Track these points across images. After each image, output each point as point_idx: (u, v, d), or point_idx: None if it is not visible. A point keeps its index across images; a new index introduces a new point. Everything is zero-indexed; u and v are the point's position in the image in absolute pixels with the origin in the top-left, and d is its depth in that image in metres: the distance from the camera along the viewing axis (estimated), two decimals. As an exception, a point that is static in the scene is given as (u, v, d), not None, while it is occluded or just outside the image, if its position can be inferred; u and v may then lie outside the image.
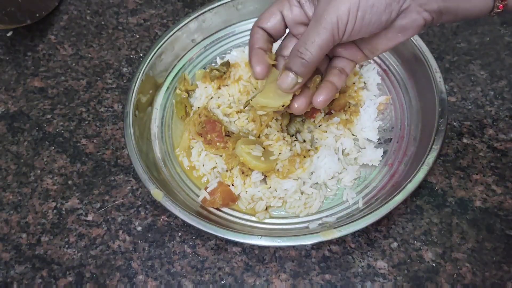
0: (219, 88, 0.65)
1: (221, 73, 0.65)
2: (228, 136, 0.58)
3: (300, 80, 0.46)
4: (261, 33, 0.49)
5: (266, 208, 0.56)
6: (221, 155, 0.58)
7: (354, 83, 0.63)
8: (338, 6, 0.41)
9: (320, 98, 0.47)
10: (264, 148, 0.56)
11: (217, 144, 0.57)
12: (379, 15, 0.42)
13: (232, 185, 0.56)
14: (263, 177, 0.56)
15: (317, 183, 0.57)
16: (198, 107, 0.63)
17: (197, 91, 0.66)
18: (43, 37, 0.78)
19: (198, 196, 0.57)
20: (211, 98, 0.64)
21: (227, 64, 0.66)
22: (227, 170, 0.57)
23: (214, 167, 0.58)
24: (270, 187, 0.56)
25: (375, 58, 0.67)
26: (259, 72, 0.49)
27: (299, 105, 0.49)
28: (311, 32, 0.43)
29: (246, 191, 0.56)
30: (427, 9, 0.43)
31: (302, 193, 0.56)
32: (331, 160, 0.56)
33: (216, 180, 0.57)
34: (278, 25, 0.49)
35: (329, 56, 0.51)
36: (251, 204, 0.56)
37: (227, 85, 0.65)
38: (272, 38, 0.50)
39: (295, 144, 0.58)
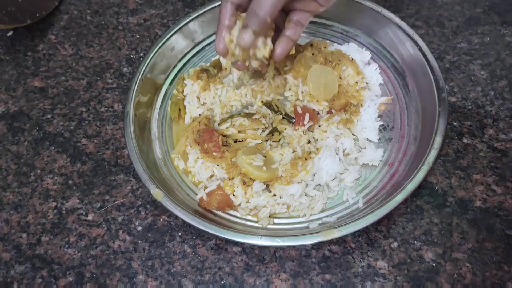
0: (205, 88, 0.65)
1: (212, 75, 0.65)
2: (225, 145, 0.58)
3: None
4: (229, 7, 0.52)
5: (270, 215, 0.56)
6: (218, 164, 0.57)
7: (356, 82, 0.63)
8: None
9: (278, 51, 0.54)
10: (265, 156, 0.56)
11: (214, 154, 0.57)
12: None
13: (233, 194, 0.55)
14: (265, 186, 0.56)
15: (319, 184, 0.57)
16: (200, 115, 0.63)
17: (186, 90, 0.66)
18: (43, 37, 0.78)
19: (197, 195, 0.57)
20: (197, 97, 0.64)
21: (218, 66, 0.66)
22: (228, 179, 0.56)
23: (212, 175, 0.58)
24: (275, 195, 0.55)
25: (375, 58, 0.67)
26: (221, 49, 0.54)
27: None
28: None
29: (248, 201, 0.55)
30: None
31: (306, 194, 0.56)
32: (332, 161, 0.57)
33: (216, 182, 0.57)
34: None
35: (286, 11, 0.55)
36: (253, 211, 0.56)
37: (216, 88, 0.65)
38: (241, 8, 0.53)
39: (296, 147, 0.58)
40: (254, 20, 0.49)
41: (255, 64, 0.54)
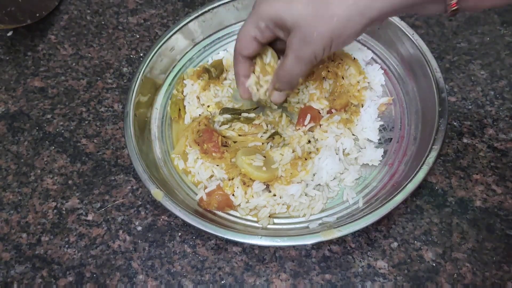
0: (206, 88, 0.65)
1: (212, 76, 0.65)
2: (225, 146, 0.58)
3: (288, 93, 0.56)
4: (244, 61, 0.54)
5: (270, 215, 0.56)
6: (217, 165, 0.57)
7: (358, 82, 0.63)
8: (314, 44, 0.46)
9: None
10: (264, 156, 0.56)
11: (213, 154, 0.57)
12: (350, 41, 0.48)
13: (233, 195, 0.55)
14: (265, 186, 0.56)
15: (319, 184, 0.57)
16: (200, 115, 0.63)
17: (185, 90, 0.66)
18: (43, 37, 0.78)
19: (197, 195, 0.57)
20: (197, 97, 0.65)
21: (220, 66, 0.66)
22: (228, 179, 0.56)
23: (212, 176, 0.58)
24: (275, 195, 0.55)
25: (376, 58, 0.67)
26: (245, 97, 0.58)
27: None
28: (292, 66, 0.49)
29: (248, 201, 0.55)
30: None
31: (306, 194, 0.56)
32: (332, 161, 0.57)
33: (216, 182, 0.57)
34: (257, 48, 0.53)
35: None
36: (253, 211, 0.56)
37: (216, 89, 0.65)
38: (254, 57, 0.55)
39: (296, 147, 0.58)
40: (285, 85, 0.53)
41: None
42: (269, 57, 0.54)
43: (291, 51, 0.48)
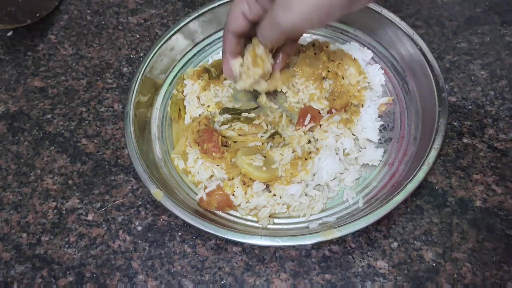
0: (206, 88, 0.65)
1: (212, 76, 0.65)
2: (225, 146, 0.58)
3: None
4: (231, 37, 0.54)
5: (270, 215, 0.56)
6: (217, 165, 0.57)
7: (358, 82, 0.63)
8: (293, 16, 0.44)
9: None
10: (264, 156, 0.56)
11: (213, 154, 0.57)
12: (332, 18, 0.46)
13: (233, 195, 0.55)
14: (265, 186, 0.56)
15: (319, 184, 0.57)
16: (200, 115, 0.63)
17: (185, 90, 0.66)
18: (43, 37, 0.78)
19: (197, 195, 0.57)
20: (197, 97, 0.65)
21: (220, 66, 0.66)
22: (228, 179, 0.56)
23: (212, 176, 0.58)
24: (275, 195, 0.55)
25: (375, 58, 0.67)
26: (226, 73, 0.58)
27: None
28: (271, 32, 0.48)
29: (248, 201, 0.55)
30: None
31: (306, 194, 0.56)
32: (332, 161, 0.57)
33: (216, 182, 0.57)
34: (244, 25, 0.53)
35: None
36: (253, 211, 0.56)
37: (216, 89, 0.65)
38: (243, 36, 0.55)
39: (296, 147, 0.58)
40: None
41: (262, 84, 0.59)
42: (262, 49, 0.54)
43: (272, 17, 0.47)
